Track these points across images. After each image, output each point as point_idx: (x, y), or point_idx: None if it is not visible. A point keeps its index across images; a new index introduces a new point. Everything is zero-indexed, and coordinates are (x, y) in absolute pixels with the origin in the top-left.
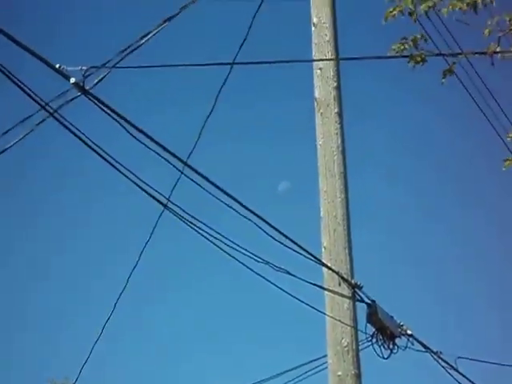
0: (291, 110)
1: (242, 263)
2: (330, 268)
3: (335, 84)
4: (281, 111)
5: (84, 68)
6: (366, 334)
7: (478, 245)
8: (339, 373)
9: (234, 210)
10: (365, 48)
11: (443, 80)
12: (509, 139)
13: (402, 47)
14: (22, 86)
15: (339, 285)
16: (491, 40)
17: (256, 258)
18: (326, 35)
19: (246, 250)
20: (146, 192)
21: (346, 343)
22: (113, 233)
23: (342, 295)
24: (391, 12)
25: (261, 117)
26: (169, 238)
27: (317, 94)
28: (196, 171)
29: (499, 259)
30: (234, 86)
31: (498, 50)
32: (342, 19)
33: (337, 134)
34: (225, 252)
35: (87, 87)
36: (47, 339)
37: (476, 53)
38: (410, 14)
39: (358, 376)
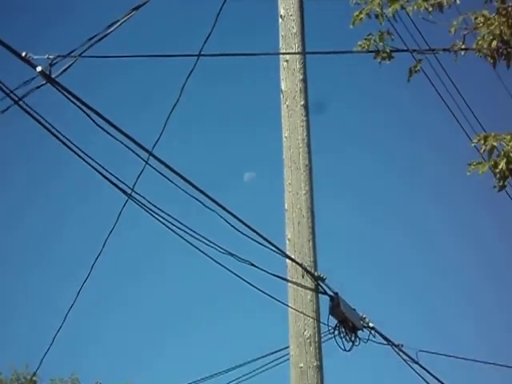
0: (258, 101)
1: (206, 254)
2: (293, 260)
3: (301, 77)
4: (247, 103)
5: (51, 57)
6: (328, 326)
7: (438, 239)
8: (301, 364)
9: (198, 200)
10: (332, 41)
11: (409, 78)
12: (473, 145)
13: (369, 43)
14: None
15: (302, 277)
16: (457, 38)
17: (220, 249)
18: (293, 28)
19: (209, 240)
20: (111, 181)
21: (308, 335)
22: (77, 221)
23: (305, 287)
24: (358, 16)
25: (228, 108)
26: (133, 228)
27: (283, 86)
28: (161, 161)
29: (460, 253)
30: (201, 77)
31: (463, 47)
32: (310, 12)
33: (302, 126)
34: (188, 242)
35: (53, 76)
36: (8, 327)
37: (442, 49)
38: (377, 16)
39: (320, 368)
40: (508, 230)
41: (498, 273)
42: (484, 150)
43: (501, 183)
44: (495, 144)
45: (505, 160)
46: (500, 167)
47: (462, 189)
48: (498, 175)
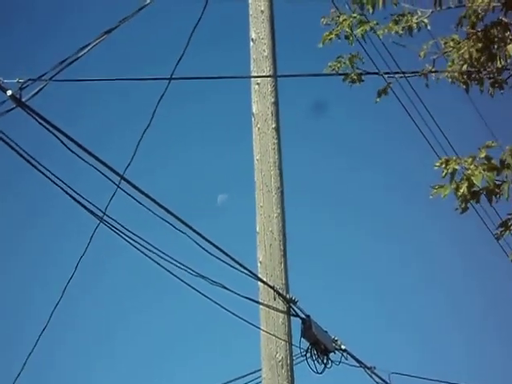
0: (229, 124)
1: (177, 277)
2: (265, 282)
3: (273, 99)
4: (219, 125)
5: (21, 80)
6: (300, 348)
7: (413, 258)
8: None
9: (169, 223)
10: (303, 64)
11: (377, 99)
12: (436, 168)
13: (339, 65)
14: None
15: (274, 299)
16: (427, 62)
17: (191, 271)
18: (264, 51)
19: (181, 263)
20: (82, 205)
21: (280, 357)
22: (48, 244)
23: (277, 310)
24: (328, 36)
25: (199, 130)
26: (104, 252)
27: (254, 109)
28: (132, 184)
29: (430, 278)
30: (172, 100)
31: (432, 70)
32: (281, 36)
33: (274, 149)
34: (160, 265)
35: (24, 99)
36: None
37: (412, 72)
38: (347, 37)
39: None
40: (466, 250)
41: (463, 297)
42: (446, 174)
43: (463, 206)
44: (457, 167)
45: (466, 183)
46: (461, 191)
47: (425, 213)
48: (460, 198)
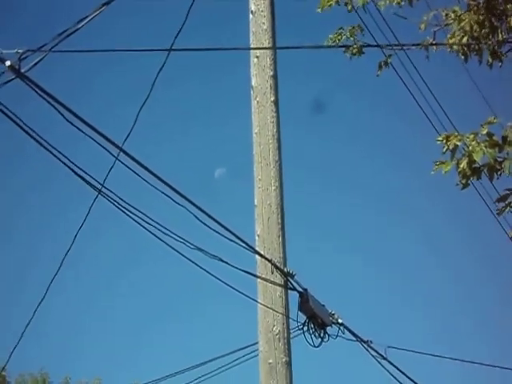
0: (228, 97)
1: (175, 250)
2: (262, 256)
3: (272, 73)
4: (218, 99)
5: (20, 51)
6: (297, 322)
7: (408, 236)
8: (270, 360)
9: (167, 196)
10: (302, 37)
11: (379, 72)
12: (438, 143)
13: (339, 37)
14: None
15: (272, 273)
16: (427, 34)
17: (189, 244)
18: (263, 24)
19: (179, 236)
20: (81, 177)
21: (277, 331)
22: (47, 216)
23: (275, 283)
24: (328, 1)
25: (198, 104)
26: (103, 224)
27: (253, 82)
28: (131, 157)
29: (429, 253)
30: (172, 72)
31: (433, 43)
32: (280, 8)
33: (273, 122)
34: (158, 238)
35: (23, 70)
36: None
37: (412, 44)
38: (346, 4)
39: (289, 364)
40: (467, 225)
41: (463, 272)
42: (446, 150)
43: (463, 182)
44: (458, 143)
45: (466, 159)
46: (462, 166)
47: (423, 188)
48: (460, 174)
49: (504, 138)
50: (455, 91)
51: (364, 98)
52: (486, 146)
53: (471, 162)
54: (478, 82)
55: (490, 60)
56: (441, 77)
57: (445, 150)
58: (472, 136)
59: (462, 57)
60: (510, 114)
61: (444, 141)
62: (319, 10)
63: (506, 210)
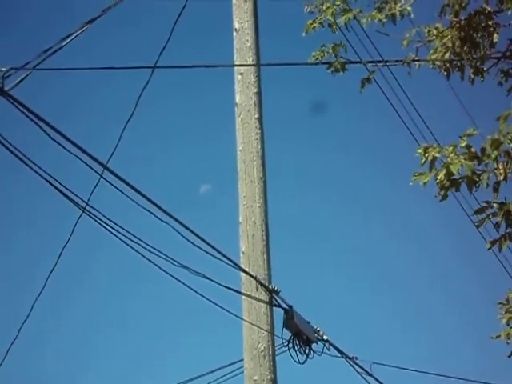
0: (213, 114)
1: (160, 267)
2: (247, 273)
3: (256, 90)
4: (202, 116)
5: (3, 69)
6: (282, 339)
7: (393, 249)
8: (255, 377)
9: (152, 213)
10: (286, 54)
11: (362, 89)
12: (417, 155)
13: (322, 54)
14: None
15: (257, 290)
16: (410, 50)
17: (174, 262)
18: (247, 41)
19: (163, 253)
20: (65, 195)
21: (262, 348)
22: (31, 236)
23: (259, 300)
24: (311, 24)
25: (182, 120)
26: (87, 242)
27: (237, 99)
28: (115, 174)
29: (412, 265)
30: (156, 89)
31: (415, 59)
32: (264, 25)
33: (257, 139)
34: (142, 256)
35: (6, 88)
36: None
37: (396, 61)
38: (330, 25)
39: (274, 381)
40: (453, 235)
41: (452, 285)
42: (425, 161)
43: (442, 193)
44: (437, 155)
45: (444, 171)
46: (439, 178)
47: (405, 199)
48: (438, 186)
49: (483, 150)
50: (438, 104)
51: (349, 113)
52: (465, 159)
53: (449, 173)
54: (461, 93)
55: (472, 76)
56: (425, 91)
57: (423, 161)
58: (451, 148)
59: (445, 73)
60: (491, 126)
61: (422, 152)
62: (304, 34)
63: (485, 222)
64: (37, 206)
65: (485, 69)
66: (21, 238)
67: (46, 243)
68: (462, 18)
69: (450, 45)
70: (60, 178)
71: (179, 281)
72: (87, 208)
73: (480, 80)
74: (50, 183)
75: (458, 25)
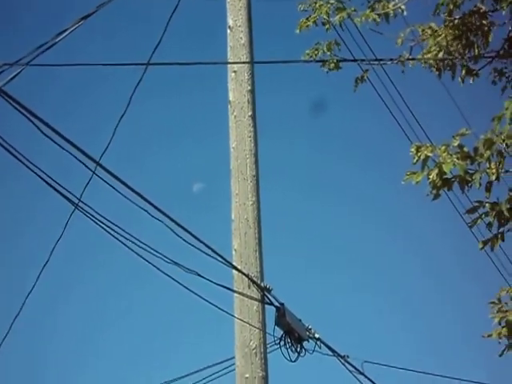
0: (206, 112)
1: (152, 264)
2: (239, 270)
3: (249, 87)
4: (195, 113)
5: None
6: (274, 336)
7: (387, 248)
8: (247, 375)
9: (144, 210)
10: (280, 52)
11: (355, 88)
12: (411, 154)
13: (316, 52)
14: None
15: (249, 287)
16: (404, 49)
17: (166, 259)
18: (241, 38)
19: (156, 251)
20: (58, 191)
21: (254, 345)
22: (24, 231)
23: (251, 298)
24: (305, 22)
25: (175, 118)
26: (80, 238)
27: (231, 96)
28: (108, 171)
29: (407, 264)
30: (149, 86)
31: (409, 58)
32: (258, 23)
33: (250, 137)
34: (134, 252)
35: (0, 84)
36: None
37: (389, 59)
38: (324, 24)
39: (266, 378)
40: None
41: (445, 283)
42: (417, 160)
43: (434, 192)
44: (430, 154)
45: (437, 170)
46: (431, 177)
47: (398, 197)
48: (430, 185)
49: (476, 150)
50: (432, 105)
51: (343, 111)
52: (457, 158)
53: (441, 173)
54: (455, 93)
55: (464, 76)
56: (418, 90)
57: (415, 160)
58: (444, 147)
59: (436, 72)
60: (484, 125)
61: (415, 151)
62: (297, 32)
63: (478, 222)
64: (29, 201)
65: (478, 69)
66: (13, 234)
67: (39, 239)
68: (457, 17)
69: (443, 44)
70: (53, 174)
71: (171, 278)
72: (80, 204)
73: (471, 81)
74: (42, 179)
75: (451, 24)
